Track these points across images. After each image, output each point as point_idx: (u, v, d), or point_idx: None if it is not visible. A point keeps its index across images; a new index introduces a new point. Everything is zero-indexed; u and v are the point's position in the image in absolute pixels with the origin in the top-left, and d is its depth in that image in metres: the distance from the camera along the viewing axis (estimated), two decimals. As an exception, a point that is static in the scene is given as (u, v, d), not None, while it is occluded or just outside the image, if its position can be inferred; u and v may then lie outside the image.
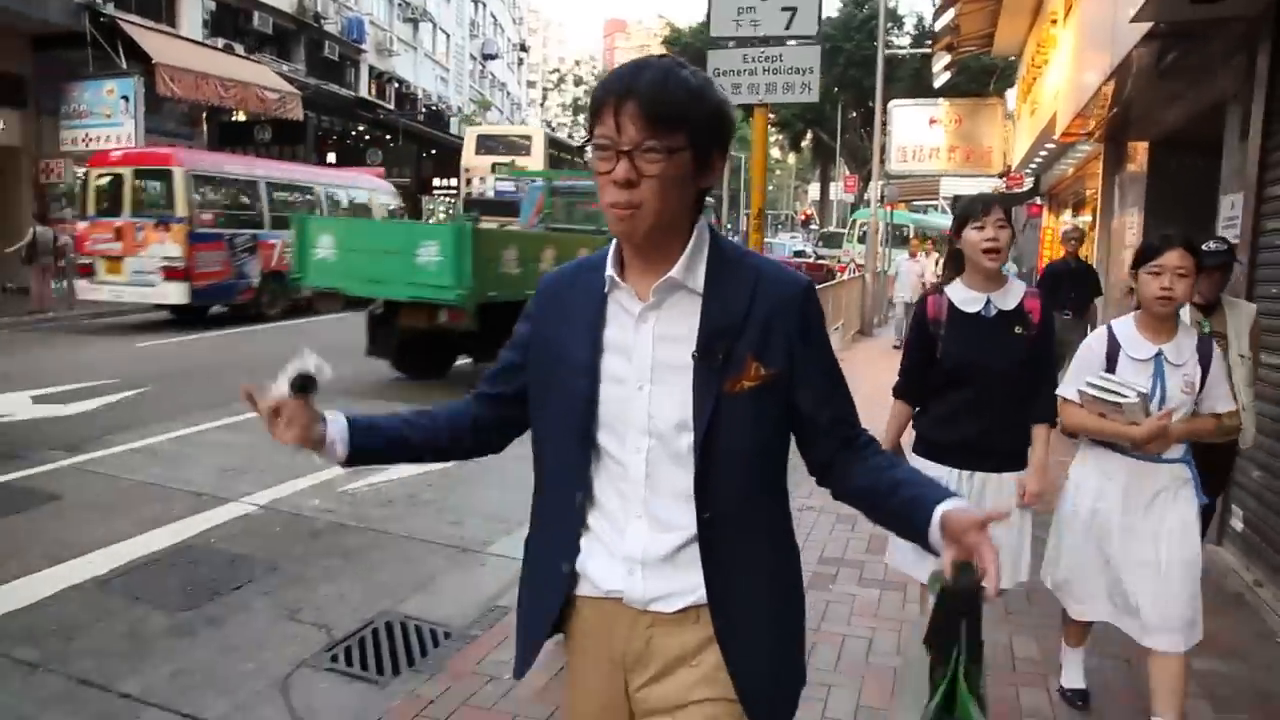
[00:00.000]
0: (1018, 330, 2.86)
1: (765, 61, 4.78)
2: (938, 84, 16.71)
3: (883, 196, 17.45)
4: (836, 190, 46.01)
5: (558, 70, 60.45)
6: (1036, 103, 11.43)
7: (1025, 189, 17.70)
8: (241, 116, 23.07)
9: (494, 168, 23.08)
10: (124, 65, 17.39)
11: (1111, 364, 2.81)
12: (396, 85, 33.14)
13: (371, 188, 19.33)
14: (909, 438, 3.15)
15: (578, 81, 56.42)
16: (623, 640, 1.47)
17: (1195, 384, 2.76)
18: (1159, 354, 2.77)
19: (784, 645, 1.50)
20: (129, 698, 3.28)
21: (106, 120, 17.29)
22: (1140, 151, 8.22)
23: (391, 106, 31.12)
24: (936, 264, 12.00)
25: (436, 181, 30.69)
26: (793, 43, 4.74)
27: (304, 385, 1.47)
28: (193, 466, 6.25)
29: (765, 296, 1.40)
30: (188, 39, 20.30)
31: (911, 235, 20.46)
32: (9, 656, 3.55)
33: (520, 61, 59.58)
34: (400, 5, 33.70)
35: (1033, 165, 14.14)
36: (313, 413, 1.48)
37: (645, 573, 1.43)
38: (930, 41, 28.39)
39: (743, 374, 1.38)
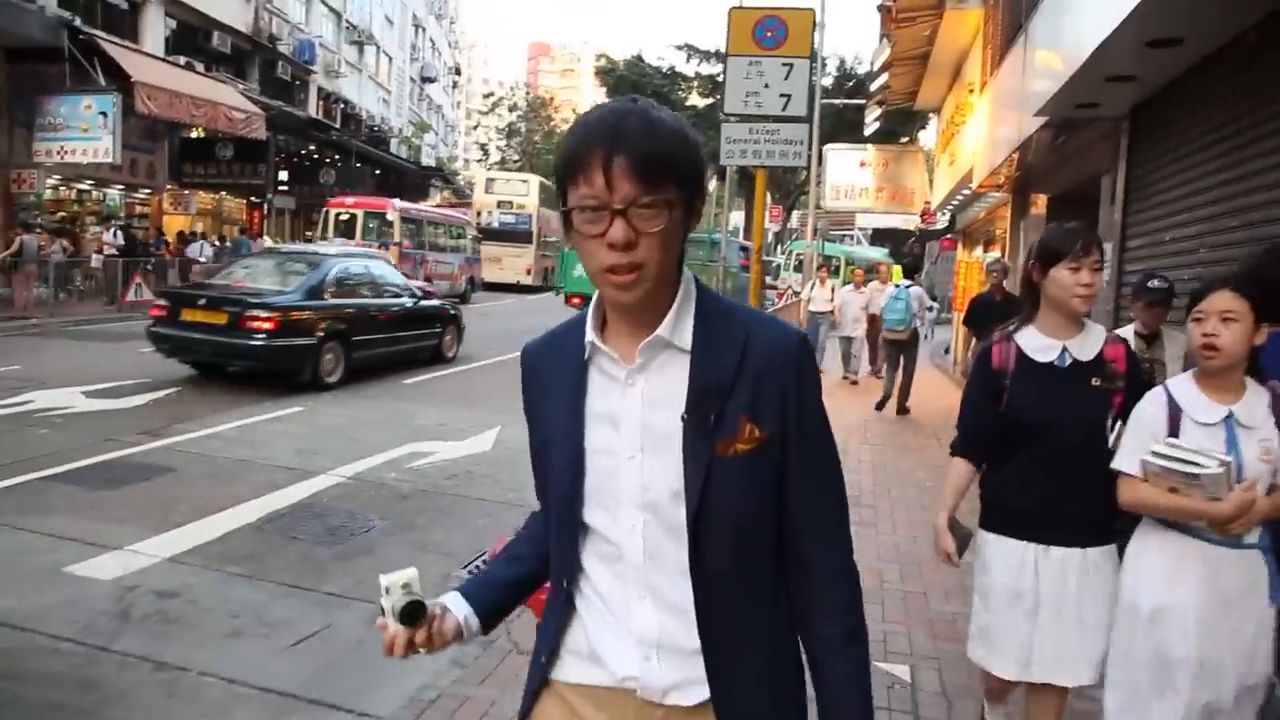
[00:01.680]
0: (1096, 383, 2.53)
1: (766, 134, 6.29)
2: (868, 132, 18.72)
3: (815, 229, 19.35)
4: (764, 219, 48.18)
5: (492, 94, 61.64)
6: (955, 155, 13.38)
7: (941, 225, 19.83)
8: (199, 133, 23.78)
9: (499, 204, 31.32)
10: (102, 82, 18.09)
11: (1174, 430, 2.38)
12: (342, 106, 34.03)
13: (463, 220, 29.15)
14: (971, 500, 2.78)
15: (511, 108, 57.77)
16: None
17: (1275, 449, 2.32)
18: (1229, 416, 2.33)
19: None
20: (333, 595, 4.53)
21: (84, 134, 17.94)
22: (1040, 202, 10.09)
23: (335, 126, 32.02)
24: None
25: (381, 200, 31.77)
26: (787, 122, 6.28)
27: (413, 616, 1.38)
28: (270, 448, 7.40)
29: (757, 352, 1.29)
30: (163, 59, 21.01)
31: (843, 265, 22.43)
32: (224, 570, 4.76)
33: (455, 85, 60.78)
34: (348, 28, 34.65)
35: (950, 206, 16.13)
36: (431, 627, 1.41)
37: (661, 658, 1.33)
38: (850, 84, 30.66)
39: (736, 436, 1.28)
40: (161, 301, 10.45)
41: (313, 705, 3.45)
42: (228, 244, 22.67)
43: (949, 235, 19.97)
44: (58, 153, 18.17)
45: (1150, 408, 2.43)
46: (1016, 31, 8.31)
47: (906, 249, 28.75)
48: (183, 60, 22.76)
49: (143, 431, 7.70)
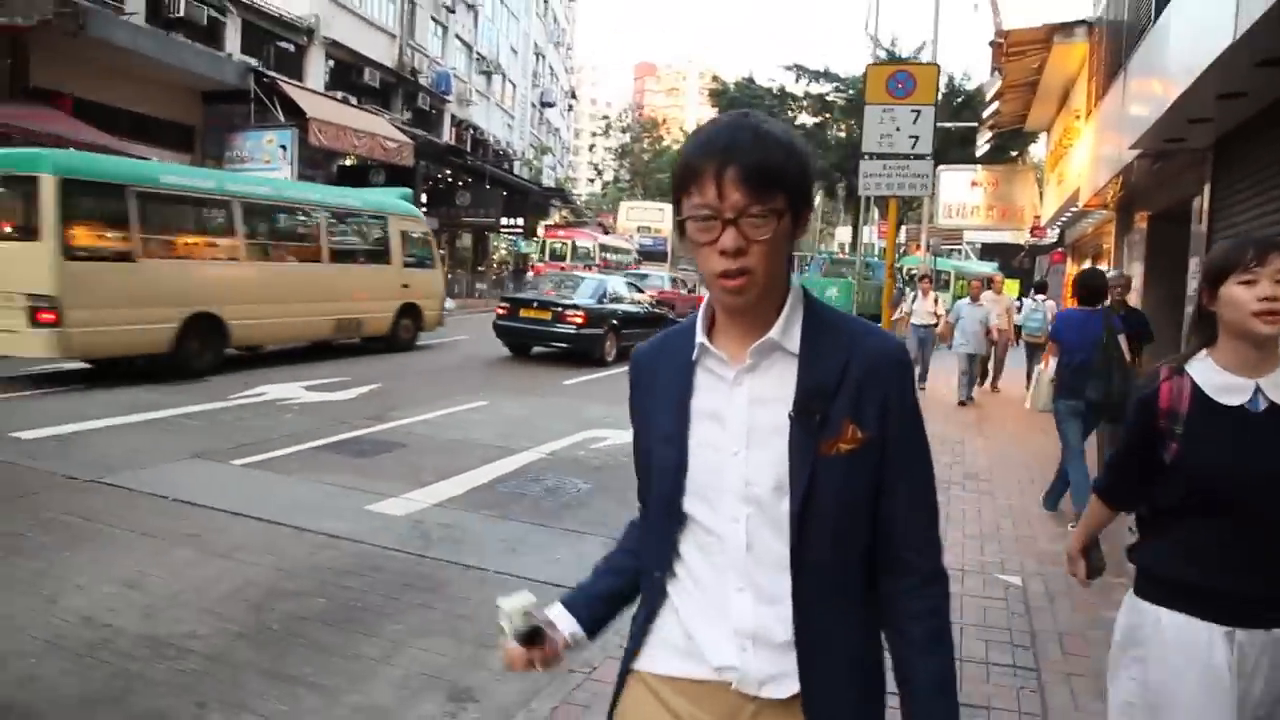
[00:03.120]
0: None
1: (898, 170, 7.55)
2: (979, 153, 19.60)
3: (929, 245, 20.29)
4: (869, 234, 48.72)
5: (606, 118, 64.09)
6: (1063, 175, 14.27)
7: (1050, 240, 20.49)
8: (353, 161, 26.22)
9: (639, 229, 38.47)
10: (281, 118, 20.50)
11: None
12: (472, 131, 36.40)
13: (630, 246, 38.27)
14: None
15: (624, 129, 60.00)
16: None
17: None
18: (1255, 391, 2.01)
19: None
20: (571, 530, 5.97)
21: (265, 165, 20.33)
22: (1142, 220, 10.99)
23: (468, 151, 34.38)
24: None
25: (505, 221, 33.97)
26: (915, 159, 7.53)
27: (531, 639, 1.49)
28: (474, 431, 8.97)
29: (861, 358, 1.35)
30: (329, 95, 23.46)
31: (953, 279, 23.14)
32: (480, 513, 6.26)
33: (570, 108, 63.53)
34: (478, 59, 37.09)
35: (1059, 223, 16.90)
36: (548, 647, 1.52)
37: (757, 649, 1.37)
38: (959, 100, 31.21)
39: (839, 436, 1.33)
40: (504, 304, 15.55)
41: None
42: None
43: (1059, 249, 20.59)
44: (243, 182, 20.62)
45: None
46: (1117, 70, 9.35)
47: (1016, 263, 29.18)
48: (339, 95, 25.25)
49: (368, 417, 9.40)
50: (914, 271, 22.46)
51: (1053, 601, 4.73)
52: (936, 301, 13.06)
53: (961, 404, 11.79)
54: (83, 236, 10.42)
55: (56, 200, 9.82)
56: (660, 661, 1.45)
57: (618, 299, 15.85)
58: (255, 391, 10.56)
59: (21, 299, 9.77)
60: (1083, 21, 12.12)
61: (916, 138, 7.43)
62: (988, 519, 6.35)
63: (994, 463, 8.34)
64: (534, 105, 47.53)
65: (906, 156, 7.50)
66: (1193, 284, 7.63)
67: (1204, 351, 2.08)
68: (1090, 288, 6.26)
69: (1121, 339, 6.03)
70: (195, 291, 11.58)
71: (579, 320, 14.39)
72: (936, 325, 12.77)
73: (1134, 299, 10.07)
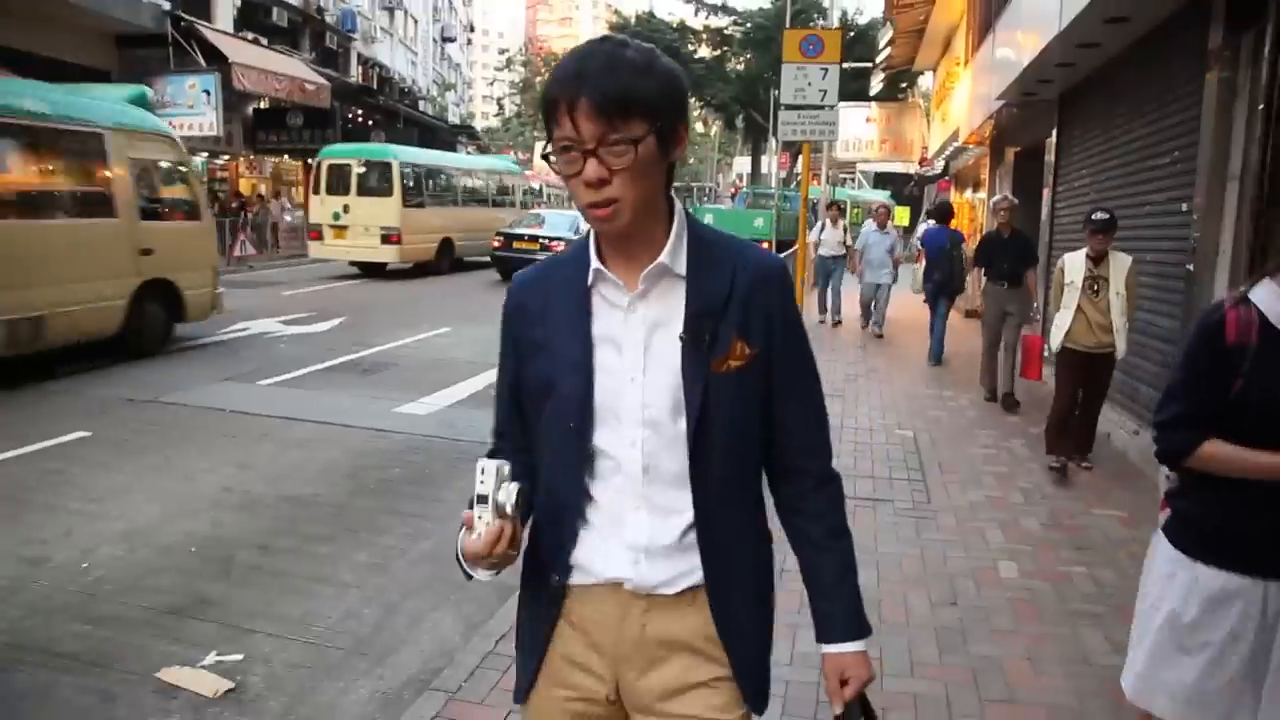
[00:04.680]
0: None
1: (810, 118, 9.08)
2: (873, 93, 21.39)
3: (828, 177, 22.08)
4: (768, 164, 50.55)
5: (505, 51, 63.74)
6: (946, 114, 16.16)
7: (937, 170, 22.54)
8: (266, 104, 26.32)
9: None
10: (203, 63, 20.69)
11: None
12: (378, 69, 36.35)
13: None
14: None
15: (525, 63, 59.95)
16: (614, 629, 1.45)
17: None
18: None
19: (766, 622, 1.52)
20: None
21: (189, 110, 20.55)
22: (1010, 154, 12.88)
23: (376, 89, 34.44)
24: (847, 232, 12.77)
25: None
26: (825, 109, 9.07)
27: (522, 504, 1.34)
28: (450, 352, 10.27)
29: (744, 276, 1.39)
30: (241, 38, 23.53)
31: (848, 208, 25.07)
32: (484, 409, 7.65)
33: (469, 42, 62.91)
34: (380, -5, 36.85)
35: (945, 155, 18.86)
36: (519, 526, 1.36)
37: (649, 560, 1.42)
38: (851, 34, 33.03)
39: (729, 354, 1.37)
40: (500, 238, 17.66)
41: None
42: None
43: (945, 178, 22.67)
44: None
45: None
46: (988, 29, 11.08)
47: (907, 192, 31.41)
48: (249, 36, 25.25)
49: (354, 343, 10.59)
50: (815, 201, 24.36)
51: (934, 444, 6.55)
52: (846, 231, 12.64)
53: (878, 337, 11.48)
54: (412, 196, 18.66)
55: (400, 176, 18.30)
56: (567, 574, 1.47)
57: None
58: (240, 328, 11.55)
59: (377, 230, 18.05)
60: (961, -21, 13.90)
61: (824, 91, 8.95)
62: (887, 398, 8.13)
63: (890, 364, 10.16)
64: (435, 40, 47.31)
65: (818, 107, 9.03)
66: (1045, 209, 9.52)
67: (1266, 279, 1.90)
68: (941, 212, 10.04)
69: (964, 245, 9.47)
70: None
71: (563, 248, 17.40)
72: (845, 255, 12.42)
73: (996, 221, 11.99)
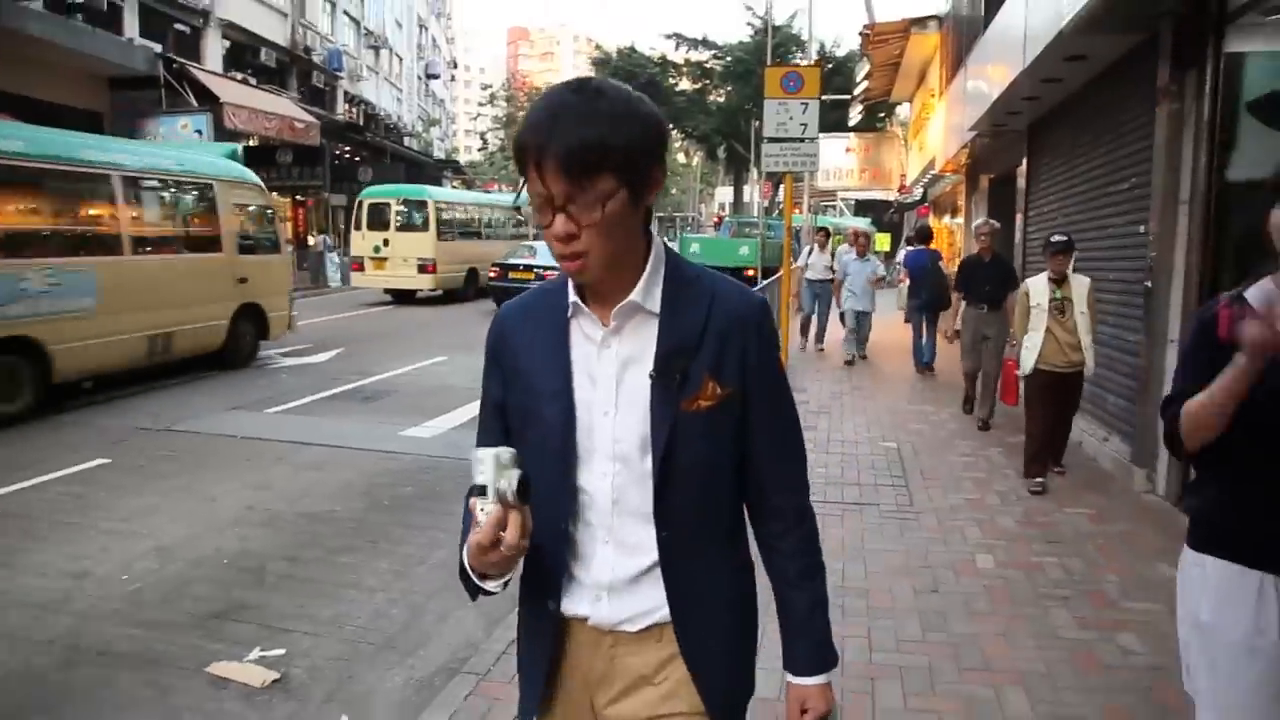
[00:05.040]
0: None
1: (791, 150, 9.52)
2: (852, 124, 22.01)
3: (809, 205, 22.65)
4: (750, 193, 51.31)
5: (489, 86, 64.60)
6: (923, 143, 16.71)
7: (916, 197, 23.16)
8: (255, 141, 26.75)
9: None
10: (194, 103, 21.11)
11: None
12: (364, 106, 36.88)
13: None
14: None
15: (508, 99, 60.80)
16: (587, 660, 1.48)
17: None
18: None
19: (741, 658, 1.52)
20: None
21: (181, 151, 20.94)
22: (984, 181, 13.40)
23: (363, 126, 34.97)
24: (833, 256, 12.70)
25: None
26: (805, 141, 9.52)
27: (525, 493, 1.26)
28: (448, 379, 10.58)
29: (721, 314, 1.39)
30: (230, 78, 23.98)
31: (830, 235, 25.65)
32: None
33: (453, 78, 63.78)
34: (366, 34, 37.45)
35: (923, 183, 19.44)
36: (524, 518, 1.27)
37: (610, 598, 1.43)
38: (830, 65, 33.82)
39: (699, 393, 1.37)
40: (496, 268, 18.03)
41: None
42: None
43: (924, 204, 23.28)
44: (159, 167, 21.15)
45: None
46: (959, 63, 11.62)
47: (887, 218, 32.08)
48: (238, 76, 25.70)
49: (354, 373, 10.90)
50: (797, 229, 24.95)
51: (916, 453, 6.93)
52: (833, 256, 12.56)
53: (848, 363, 11.49)
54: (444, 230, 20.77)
55: (435, 213, 20.04)
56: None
57: None
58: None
59: (414, 260, 20.06)
60: (934, 16, 14.48)
61: (805, 124, 9.40)
62: (871, 414, 8.50)
63: (874, 383, 10.56)
64: (419, 78, 48.00)
65: (799, 140, 9.48)
66: (1018, 234, 9.98)
67: (1267, 278, 1.91)
68: (921, 235, 11.46)
69: (942, 264, 10.17)
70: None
71: (555, 276, 18.51)
72: (832, 281, 12.26)
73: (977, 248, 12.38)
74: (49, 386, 8.45)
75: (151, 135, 21.28)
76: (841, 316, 11.99)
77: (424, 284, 20.32)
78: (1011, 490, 5.98)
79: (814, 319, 12.88)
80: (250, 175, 11.94)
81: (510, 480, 1.24)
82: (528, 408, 1.44)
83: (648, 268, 1.38)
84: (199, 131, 20.97)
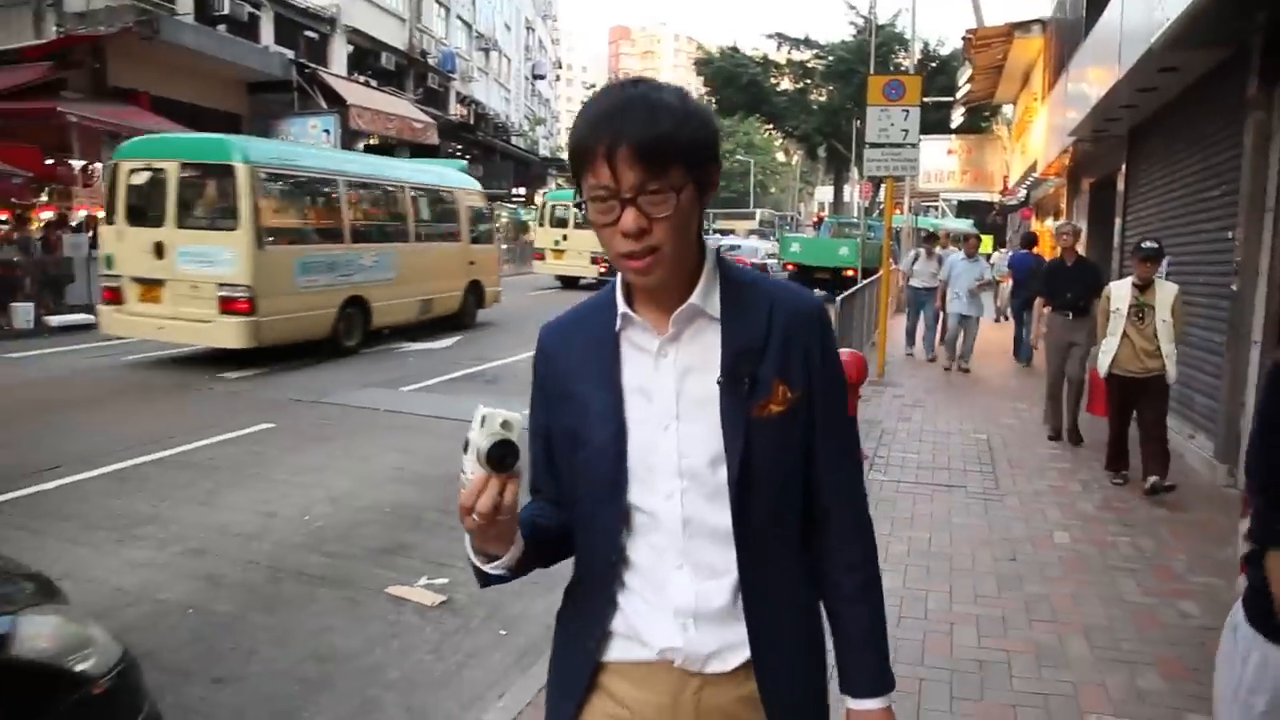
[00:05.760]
0: None
1: (892, 155, 9.96)
2: (954, 125, 22.07)
3: (910, 206, 22.79)
4: (849, 193, 51.10)
5: (592, 86, 65.92)
6: (1025, 146, 16.75)
7: (1019, 199, 23.03)
8: (375, 140, 28.27)
9: None
10: (323, 105, 22.56)
11: None
12: (474, 106, 38.33)
13: None
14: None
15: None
16: (663, 707, 1.36)
17: None
18: None
19: (820, 697, 1.43)
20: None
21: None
22: (1086, 185, 13.50)
23: (473, 124, 36.40)
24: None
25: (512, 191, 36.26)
26: (906, 147, 9.95)
27: (501, 460, 1.19)
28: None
29: (782, 315, 1.34)
30: (354, 81, 25.47)
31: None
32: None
33: (559, 78, 65.41)
34: (477, 37, 38.92)
35: (1025, 185, 19.43)
36: (510, 491, 1.21)
37: (699, 626, 1.34)
38: (933, 64, 33.53)
39: (770, 398, 1.31)
40: (606, 264, 18.64)
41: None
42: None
43: (1026, 207, 23.13)
44: (290, 165, 22.70)
45: None
46: (1061, 69, 11.81)
47: (989, 220, 31.77)
48: (361, 79, 27.22)
49: (473, 358, 11.78)
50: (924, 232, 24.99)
51: (1005, 445, 7.37)
52: (940, 263, 11.85)
53: (946, 369, 11.10)
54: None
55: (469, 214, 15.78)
56: (614, 649, 1.40)
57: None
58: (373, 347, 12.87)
59: (588, 253, 22.51)
60: (1038, 20, 14.58)
61: (906, 130, 9.82)
62: (964, 408, 8.91)
63: (968, 380, 10.90)
64: (526, 78, 49.51)
65: (900, 145, 9.91)
66: (1116, 238, 10.19)
67: None
68: (1026, 240, 12.55)
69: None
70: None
71: None
72: (936, 289, 11.68)
73: (1081, 248, 12.49)
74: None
75: (284, 135, 22.81)
76: (943, 323, 11.58)
77: (592, 273, 22.96)
78: (1095, 480, 6.35)
79: (920, 327, 12.33)
80: (476, 185, 16.36)
81: (489, 440, 1.18)
82: (575, 432, 1.37)
83: (705, 271, 1.33)
84: (326, 131, 22.40)
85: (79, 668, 2.35)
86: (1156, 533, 5.25)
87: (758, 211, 60.39)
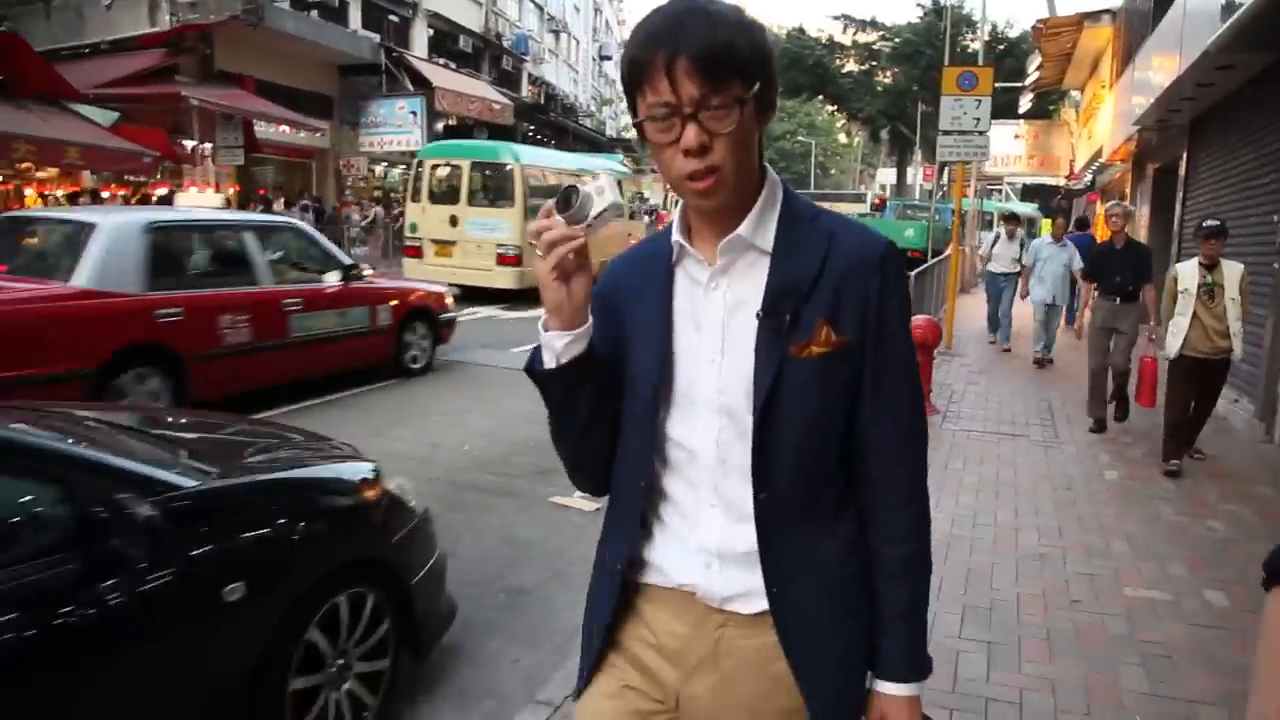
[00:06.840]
0: None
1: (964, 142, 10.72)
2: (1022, 111, 22.52)
3: (976, 189, 23.28)
4: (913, 176, 51.17)
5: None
6: (1092, 132, 17.27)
7: (1085, 183, 23.40)
8: (453, 121, 29.48)
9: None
10: (410, 87, 23.77)
11: None
12: (545, 87, 39.40)
13: None
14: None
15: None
16: (684, 637, 1.34)
17: None
18: None
19: (850, 652, 1.33)
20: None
21: (398, 129, 23.63)
22: (1150, 171, 14.06)
23: (544, 105, 37.50)
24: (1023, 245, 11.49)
25: (578, 169, 37.33)
26: (977, 134, 10.71)
27: (567, 197, 1.22)
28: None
29: (841, 257, 1.25)
30: (436, 63, 26.66)
31: (995, 219, 26.13)
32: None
33: (623, 57, 65.94)
34: (548, 19, 39.94)
35: (1091, 169, 19.88)
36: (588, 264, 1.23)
37: (723, 567, 1.31)
38: (1001, 47, 33.70)
39: (811, 338, 1.24)
40: None
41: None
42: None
43: (1092, 191, 23.48)
44: (378, 144, 23.99)
45: None
46: (1129, 59, 12.41)
47: (1054, 203, 31.93)
48: (440, 61, 28.40)
49: (567, 327, 12.81)
50: (988, 217, 25.33)
51: (1065, 404, 8.26)
52: (1023, 246, 11.32)
53: (1038, 364, 10.36)
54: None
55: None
56: (641, 572, 1.39)
57: None
58: (471, 311, 13.98)
59: None
60: (1108, 10, 15.09)
61: (978, 119, 10.58)
62: (1027, 374, 9.75)
63: (1032, 350, 11.69)
64: (594, 59, 50.42)
65: (971, 133, 10.67)
66: (1176, 223, 10.84)
67: None
68: (1079, 224, 13.03)
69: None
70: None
71: None
72: (1018, 274, 11.12)
73: (1142, 234, 13.13)
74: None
75: (371, 115, 24.13)
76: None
77: (504, 279, 25.07)
78: (1144, 434, 7.16)
79: (1000, 315, 11.67)
80: (626, 170, 20.09)
81: (578, 196, 1.21)
82: (621, 356, 1.35)
83: (760, 201, 1.28)
84: (413, 113, 23.61)
85: (412, 503, 3.42)
86: (1195, 474, 6.09)
87: (867, 193, 58.09)
